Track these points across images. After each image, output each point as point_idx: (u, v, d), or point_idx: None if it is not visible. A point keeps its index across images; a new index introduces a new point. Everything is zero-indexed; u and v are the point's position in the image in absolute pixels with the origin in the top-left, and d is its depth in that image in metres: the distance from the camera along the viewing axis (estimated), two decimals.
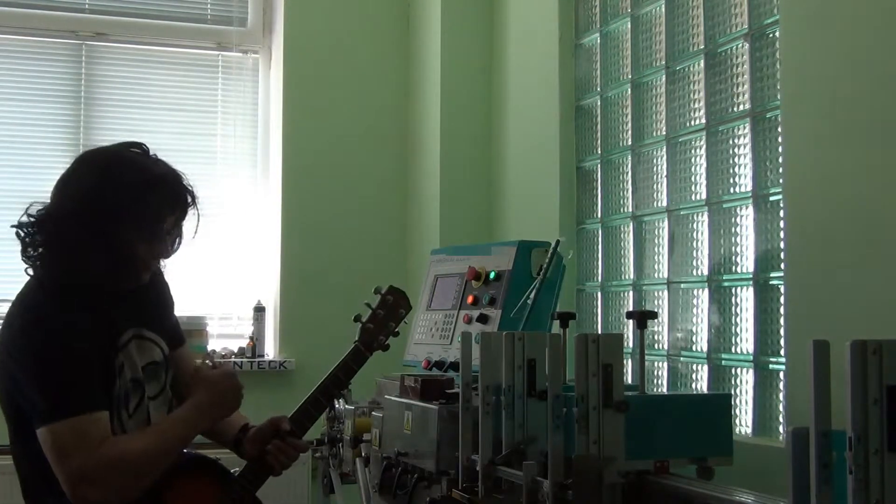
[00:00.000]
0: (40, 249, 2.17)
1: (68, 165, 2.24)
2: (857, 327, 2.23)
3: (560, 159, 3.70)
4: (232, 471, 2.35)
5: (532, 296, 2.64)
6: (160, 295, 2.38)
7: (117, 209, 2.11)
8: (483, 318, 2.78)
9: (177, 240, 2.23)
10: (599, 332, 3.51)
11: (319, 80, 4.63)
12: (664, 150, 3.19)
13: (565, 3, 3.75)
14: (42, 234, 2.16)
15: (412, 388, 2.51)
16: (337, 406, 3.19)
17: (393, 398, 2.60)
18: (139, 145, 2.25)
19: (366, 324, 2.50)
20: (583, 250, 3.65)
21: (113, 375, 2.14)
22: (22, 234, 2.18)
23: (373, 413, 2.80)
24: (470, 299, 2.86)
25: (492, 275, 2.83)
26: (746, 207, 2.81)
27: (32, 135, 4.50)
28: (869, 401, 1.32)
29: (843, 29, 2.37)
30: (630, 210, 3.38)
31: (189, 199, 2.21)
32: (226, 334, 4.54)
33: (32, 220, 2.17)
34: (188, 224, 2.24)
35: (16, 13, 4.50)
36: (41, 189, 4.40)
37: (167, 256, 2.24)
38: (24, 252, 2.20)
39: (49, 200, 2.19)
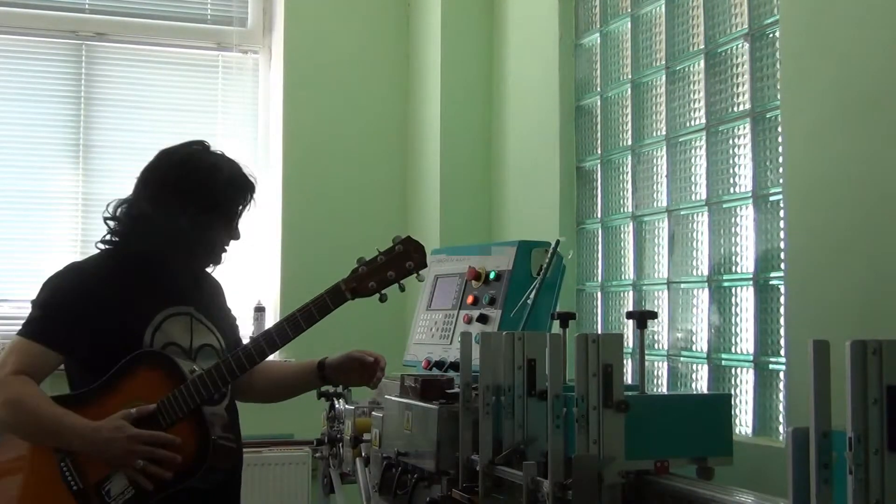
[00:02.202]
0: (125, 235, 2.37)
1: (150, 161, 2.44)
2: (857, 327, 2.23)
3: (560, 159, 3.70)
4: (191, 372, 2.29)
5: (532, 296, 2.64)
6: (219, 294, 2.56)
7: (206, 201, 2.33)
8: (483, 318, 2.78)
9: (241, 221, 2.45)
10: (599, 332, 3.51)
11: (319, 80, 4.63)
12: (664, 150, 3.19)
13: (565, 3, 3.75)
14: (129, 224, 2.36)
15: (412, 388, 2.51)
16: (337, 406, 3.19)
17: (393, 398, 2.59)
18: (201, 142, 2.45)
19: (360, 266, 2.29)
20: (583, 250, 3.65)
21: (132, 335, 2.28)
22: (111, 225, 2.38)
23: (373, 413, 2.80)
24: (470, 299, 2.86)
25: (492, 275, 2.83)
26: (746, 207, 2.81)
27: (32, 135, 4.50)
28: (869, 401, 1.32)
29: (843, 29, 2.37)
30: (630, 210, 3.38)
31: (254, 186, 2.43)
32: None
33: (117, 213, 2.37)
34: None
35: (16, 13, 4.50)
36: (41, 189, 4.50)
37: (238, 238, 2.43)
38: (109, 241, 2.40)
39: (132, 194, 2.39)
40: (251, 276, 4.62)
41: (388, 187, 4.69)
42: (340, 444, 3.12)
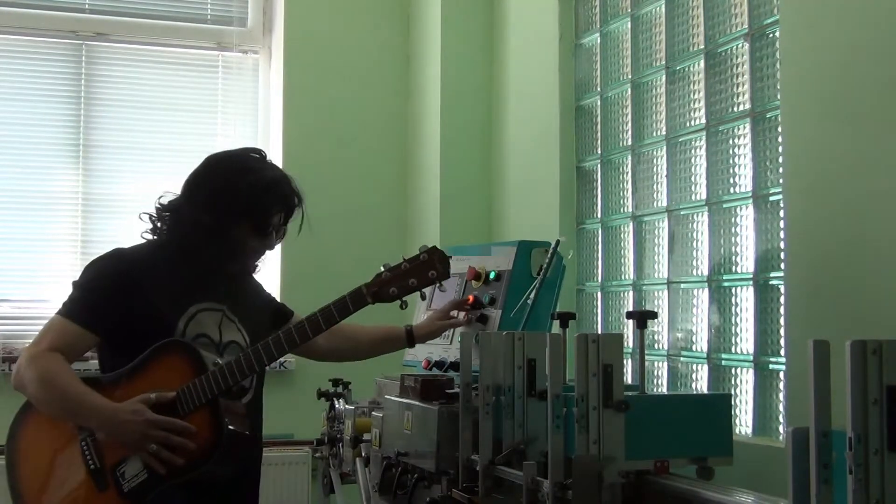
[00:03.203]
0: (164, 231, 2.45)
1: (197, 165, 2.50)
2: (857, 327, 2.23)
3: (560, 159, 3.70)
4: (213, 364, 2.33)
5: (532, 296, 2.63)
6: (255, 297, 2.63)
7: (236, 206, 2.39)
8: (483, 319, 2.78)
9: (282, 234, 2.50)
10: (599, 332, 3.51)
11: (319, 80, 4.63)
12: (664, 150, 3.19)
13: (565, 3, 3.75)
14: (170, 220, 2.44)
15: (412, 388, 2.51)
16: (337, 406, 3.19)
17: (393, 398, 2.60)
18: (258, 150, 2.52)
19: (384, 271, 2.36)
20: (583, 250, 3.65)
21: (167, 322, 2.35)
22: (153, 219, 2.45)
23: (373, 413, 2.80)
24: (470, 299, 2.85)
25: (492, 275, 2.82)
26: (746, 207, 2.81)
27: (33, 134, 4.51)
28: (869, 401, 1.32)
29: (843, 28, 2.37)
30: (630, 210, 3.38)
31: (296, 201, 2.47)
32: None
33: (162, 207, 2.45)
34: (294, 222, 2.51)
35: (16, 13, 4.50)
36: (41, 189, 4.50)
37: (273, 248, 2.50)
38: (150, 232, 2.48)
39: (179, 193, 2.46)
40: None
41: (388, 187, 4.69)
42: (340, 444, 3.12)
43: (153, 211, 2.46)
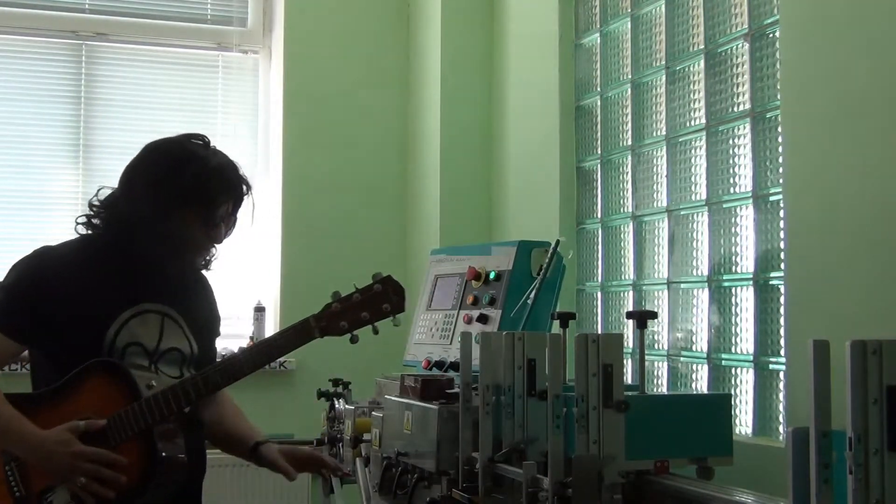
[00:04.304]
0: (100, 227, 2.28)
1: (136, 154, 2.32)
2: (857, 327, 2.23)
3: (560, 159, 3.70)
4: (149, 389, 2.15)
5: (532, 296, 2.64)
6: (207, 299, 2.45)
7: (178, 195, 2.19)
8: (483, 318, 2.78)
9: (231, 226, 2.30)
10: (599, 332, 3.51)
11: (319, 81, 4.63)
12: (664, 150, 3.19)
13: (565, 3, 3.75)
14: (107, 213, 2.27)
15: (412, 388, 2.51)
16: (337, 406, 3.19)
17: (393, 398, 2.59)
18: (200, 136, 2.31)
19: (334, 302, 2.12)
20: (583, 250, 3.65)
21: (95, 330, 2.18)
22: (90, 215, 2.29)
23: (373, 413, 2.80)
24: (470, 299, 2.86)
25: (492, 275, 2.83)
26: (746, 207, 2.81)
27: (33, 134, 4.51)
28: (869, 401, 1.32)
29: (843, 29, 2.37)
30: (630, 210, 3.38)
31: (244, 188, 2.29)
32: (226, 334, 4.48)
33: (99, 202, 2.29)
34: (244, 213, 2.34)
35: (16, 13, 4.50)
36: (41, 189, 4.50)
37: (221, 241, 2.29)
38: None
39: (117, 186, 2.29)
40: (251, 276, 4.62)
41: (388, 187, 4.69)
42: (340, 444, 3.11)
43: (88, 209, 2.28)
